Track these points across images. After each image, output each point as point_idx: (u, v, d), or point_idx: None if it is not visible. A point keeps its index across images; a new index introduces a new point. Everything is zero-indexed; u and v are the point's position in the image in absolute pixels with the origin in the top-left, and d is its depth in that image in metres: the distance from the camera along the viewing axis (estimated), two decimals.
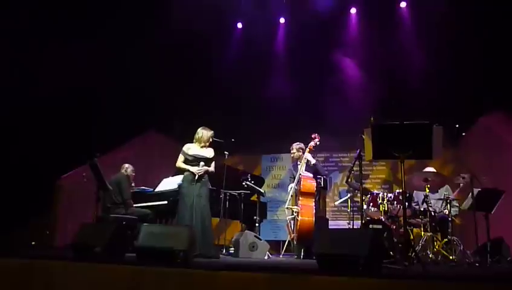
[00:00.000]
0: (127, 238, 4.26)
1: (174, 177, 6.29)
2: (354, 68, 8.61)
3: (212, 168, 5.51)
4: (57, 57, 7.13)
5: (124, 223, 5.74)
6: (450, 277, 3.30)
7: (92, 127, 7.59)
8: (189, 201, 5.21)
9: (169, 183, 6.35)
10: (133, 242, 4.13)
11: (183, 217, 5.17)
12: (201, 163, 5.34)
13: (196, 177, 5.26)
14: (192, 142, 5.54)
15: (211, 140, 5.53)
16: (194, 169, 5.31)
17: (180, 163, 5.42)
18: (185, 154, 5.42)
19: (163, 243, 3.62)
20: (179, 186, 5.52)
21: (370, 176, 9.43)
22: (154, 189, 6.72)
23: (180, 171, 5.51)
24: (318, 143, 6.24)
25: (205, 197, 5.34)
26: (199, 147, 5.47)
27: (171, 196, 6.02)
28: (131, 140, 8.61)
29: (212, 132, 5.56)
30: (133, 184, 6.61)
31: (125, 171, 6.51)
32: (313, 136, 6.24)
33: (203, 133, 5.50)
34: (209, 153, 5.49)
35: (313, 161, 6.16)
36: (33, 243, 7.29)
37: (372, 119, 4.13)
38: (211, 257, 4.97)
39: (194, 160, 5.37)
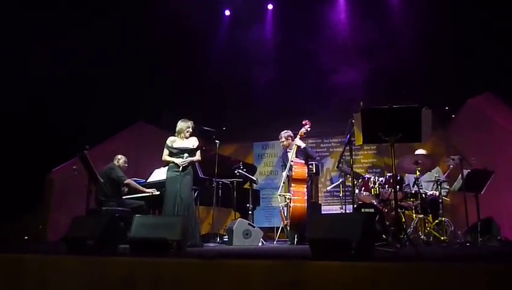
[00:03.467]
0: (120, 230, 4.25)
1: (166, 167, 6.26)
2: (343, 53, 8.57)
3: (198, 156, 5.59)
4: (46, 48, 7.02)
5: (117, 215, 5.72)
6: (442, 257, 3.34)
7: (81, 119, 7.51)
8: (173, 191, 5.30)
9: (161, 174, 6.32)
10: (126, 234, 4.13)
11: (169, 206, 5.28)
12: (185, 155, 5.42)
13: (180, 169, 5.32)
14: (175, 135, 5.62)
15: (190, 130, 5.60)
16: (178, 161, 5.40)
17: (165, 156, 5.53)
18: (169, 147, 5.52)
19: (156, 233, 3.62)
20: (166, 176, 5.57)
21: (361, 161, 9.49)
22: (146, 180, 6.70)
23: (167, 163, 5.58)
24: (309, 129, 6.25)
25: (189, 186, 5.43)
26: (182, 139, 5.56)
27: (163, 186, 6.00)
28: (121, 132, 8.55)
29: (190, 122, 5.62)
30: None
31: (117, 161, 6.49)
32: (303, 122, 6.25)
33: (181, 125, 5.58)
34: (193, 143, 5.57)
35: (303, 145, 6.18)
36: (26, 237, 7.25)
37: (361, 103, 4.12)
38: (192, 245, 5.00)
39: (179, 152, 5.47)
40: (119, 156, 6.54)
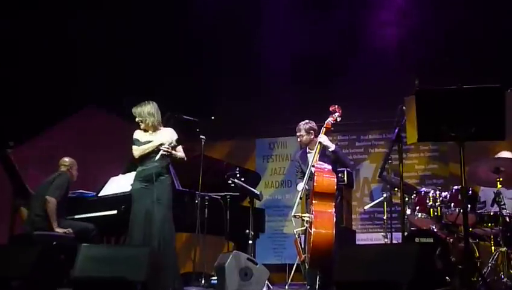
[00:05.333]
0: (59, 265, 4.28)
1: (126, 175, 6.28)
2: (391, 14, 8.53)
3: (181, 153, 5.57)
4: None
5: (55, 243, 5.75)
6: None
7: (4, 106, 7.54)
8: (142, 209, 5.29)
9: (120, 185, 6.35)
10: (68, 272, 4.14)
11: (136, 232, 5.26)
12: (167, 141, 5.35)
13: (157, 157, 5.29)
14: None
15: (151, 111, 5.50)
16: (163, 145, 5.31)
17: (137, 151, 5.49)
18: (138, 142, 5.50)
19: (112, 271, 3.64)
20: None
21: (415, 167, 9.49)
22: (98, 193, 6.70)
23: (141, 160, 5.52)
24: (339, 119, 6.22)
25: (166, 202, 5.41)
26: (151, 130, 5.54)
27: (123, 202, 6.02)
28: (62, 122, 8.58)
29: (148, 105, 5.54)
30: None
31: (68, 169, 6.47)
32: (331, 108, 6.21)
33: (136, 110, 5.52)
34: (170, 135, 5.51)
35: (332, 147, 6.14)
36: None
37: (416, 82, 4.12)
38: (166, 289, 5.03)
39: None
40: (67, 160, 6.52)
